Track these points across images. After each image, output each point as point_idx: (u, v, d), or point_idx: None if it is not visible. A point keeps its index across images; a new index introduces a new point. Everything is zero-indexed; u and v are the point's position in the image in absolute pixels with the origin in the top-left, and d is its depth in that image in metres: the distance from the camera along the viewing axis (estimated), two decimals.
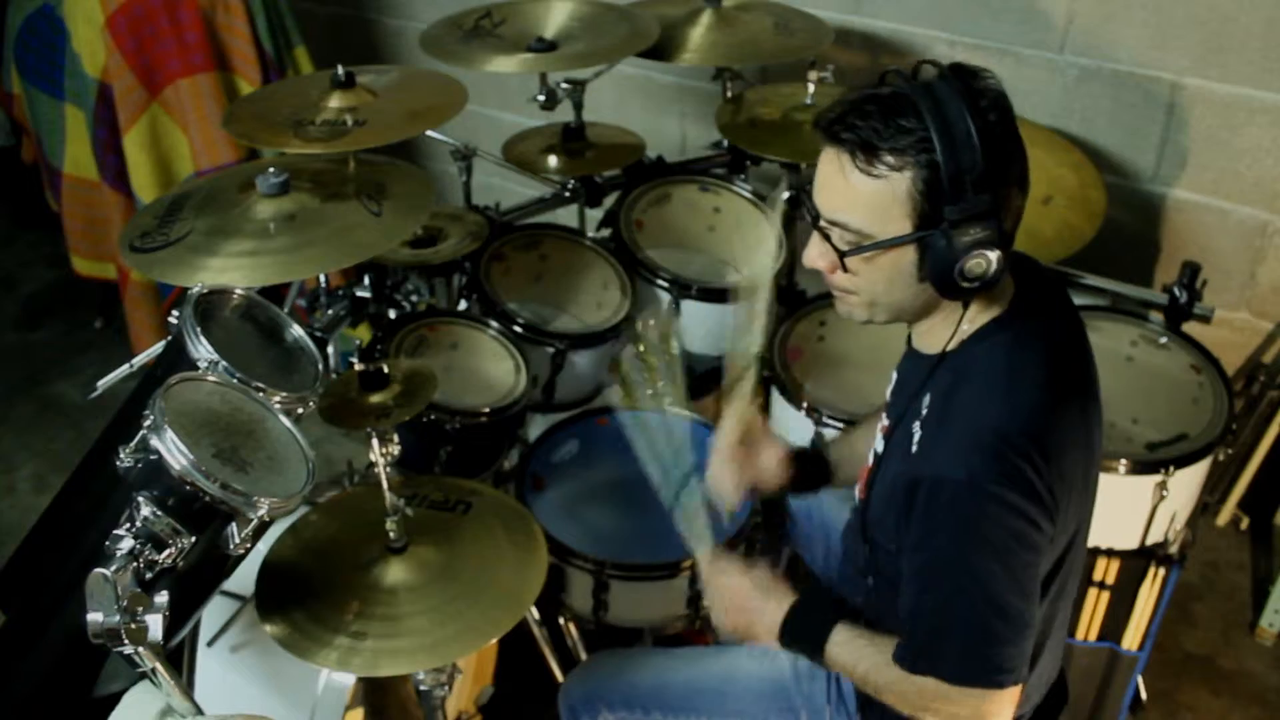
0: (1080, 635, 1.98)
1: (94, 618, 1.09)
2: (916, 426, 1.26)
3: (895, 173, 1.14)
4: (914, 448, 1.26)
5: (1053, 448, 1.18)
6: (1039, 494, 1.16)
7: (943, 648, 1.22)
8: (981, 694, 1.20)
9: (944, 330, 1.27)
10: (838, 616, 1.37)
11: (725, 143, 2.52)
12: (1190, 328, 2.09)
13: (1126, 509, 1.87)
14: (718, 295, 2.26)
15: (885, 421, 1.39)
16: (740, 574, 1.47)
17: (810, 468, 1.63)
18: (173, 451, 1.18)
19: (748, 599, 1.45)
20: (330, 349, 2.05)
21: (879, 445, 1.39)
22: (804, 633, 1.39)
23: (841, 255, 1.21)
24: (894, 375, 1.43)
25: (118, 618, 1.08)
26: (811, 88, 2.40)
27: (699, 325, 2.29)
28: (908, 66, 1.19)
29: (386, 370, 1.61)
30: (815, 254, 1.25)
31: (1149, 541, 1.91)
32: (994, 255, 1.15)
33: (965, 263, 1.15)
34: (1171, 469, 1.81)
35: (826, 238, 1.21)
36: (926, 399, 1.27)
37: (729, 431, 1.57)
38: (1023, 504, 1.15)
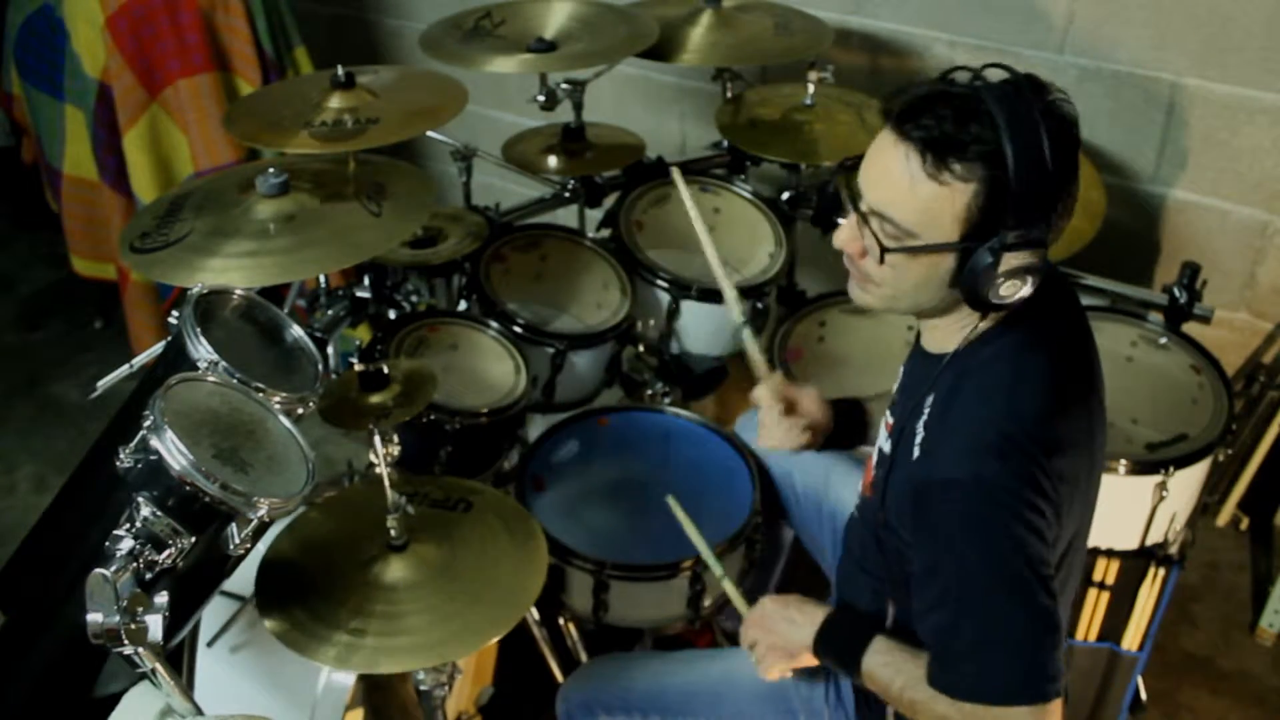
0: (1080, 635, 1.98)
1: (94, 618, 1.08)
2: (920, 428, 1.25)
3: (960, 182, 1.10)
4: (916, 450, 1.25)
5: (1057, 450, 1.17)
6: (1046, 492, 1.16)
7: (985, 668, 1.16)
8: (1028, 711, 1.14)
9: (954, 331, 1.26)
10: (876, 630, 1.34)
11: (725, 143, 2.52)
12: (1190, 328, 2.09)
13: (1126, 509, 1.87)
14: (717, 295, 2.27)
15: (890, 419, 1.39)
16: (767, 603, 1.46)
17: (847, 418, 1.66)
18: (173, 452, 1.18)
19: (773, 622, 1.43)
20: (330, 349, 2.05)
21: (885, 444, 1.38)
22: (841, 643, 1.36)
23: (884, 250, 1.17)
24: (901, 372, 1.43)
25: (118, 618, 1.08)
26: (811, 88, 2.40)
27: (699, 325, 2.29)
28: (970, 68, 1.15)
29: (386, 370, 1.61)
30: (847, 237, 1.21)
31: (1149, 542, 1.91)
32: (1031, 282, 1.14)
33: (1003, 284, 1.13)
34: (1171, 469, 1.81)
35: (866, 223, 1.18)
36: (930, 399, 1.26)
37: (766, 402, 1.64)
38: (1033, 498, 1.14)
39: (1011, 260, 1.12)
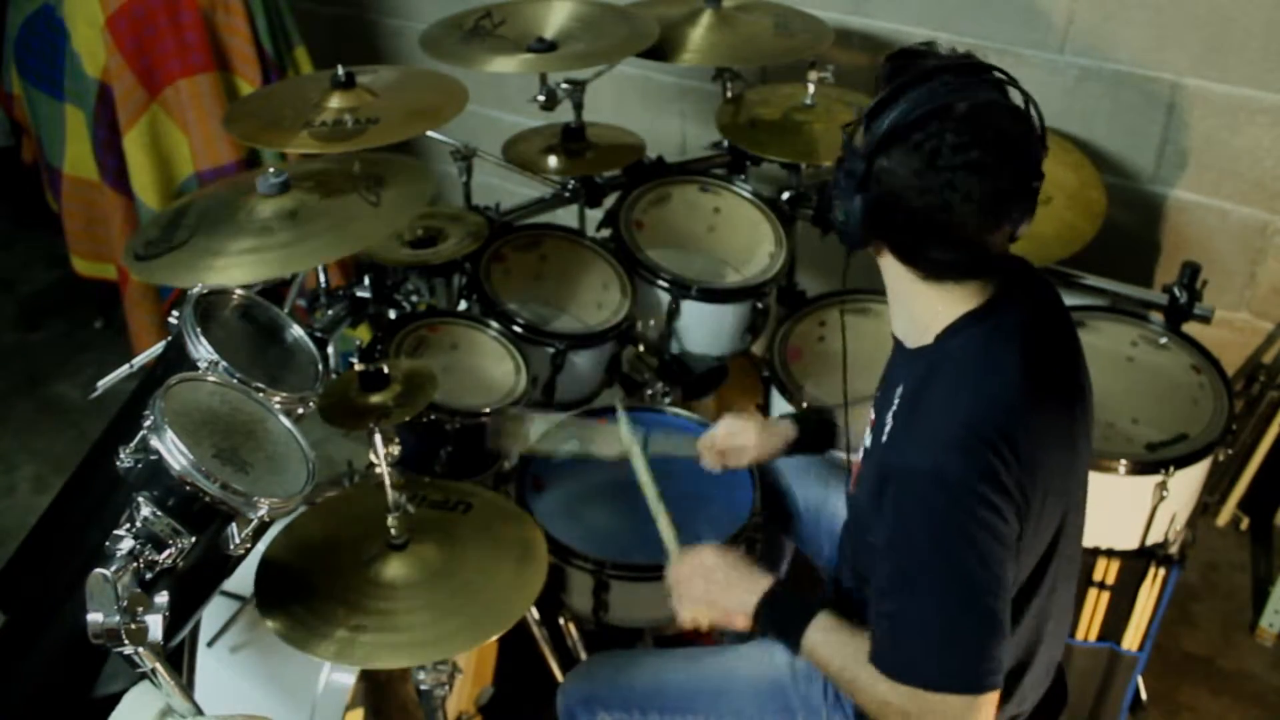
0: (1080, 635, 1.98)
1: (94, 618, 1.09)
2: (889, 418, 1.28)
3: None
4: (884, 438, 1.27)
5: (1025, 444, 1.18)
6: (1006, 488, 1.16)
7: (923, 653, 1.20)
8: (960, 700, 1.18)
9: (923, 323, 1.28)
10: (820, 604, 1.35)
11: (725, 143, 2.52)
12: (1190, 328, 2.09)
13: (1126, 509, 1.87)
14: (718, 295, 2.27)
15: (872, 415, 1.40)
16: (710, 553, 1.48)
17: (814, 430, 1.70)
18: (173, 452, 1.18)
19: (715, 573, 1.44)
20: (330, 349, 2.05)
21: (867, 440, 1.40)
22: (783, 616, 1.37)
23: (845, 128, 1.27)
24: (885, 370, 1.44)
25: (118, 618, 1.08)
26: (811, 88, 2.39)
27: (699, 325, 2.29)
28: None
29: (386, 370, 1.61)
30: None
31: (1149, 542, 1.91)
32: (850, 212, 1.21)
33: (840, 197, 1.23)
34: (1171, 469, 1.81)
35: None
36: (899, 390, 1.28)
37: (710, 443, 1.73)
38: (991, 496, 1.15)
39: (848, 168, 1.20)
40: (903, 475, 1.20)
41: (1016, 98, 1.19)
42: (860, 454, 1.44)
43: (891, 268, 1.27)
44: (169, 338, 1.46)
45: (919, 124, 1.14)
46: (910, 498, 1.19)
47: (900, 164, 1.16)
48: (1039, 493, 1.21)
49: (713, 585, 1.44)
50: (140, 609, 1.10)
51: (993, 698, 1.19)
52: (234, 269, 1.58)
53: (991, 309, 1.25)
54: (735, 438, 1.71)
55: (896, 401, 1.28)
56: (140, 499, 1.19)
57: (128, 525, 1.18)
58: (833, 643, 1.31)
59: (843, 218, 1.23)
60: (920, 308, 1.28)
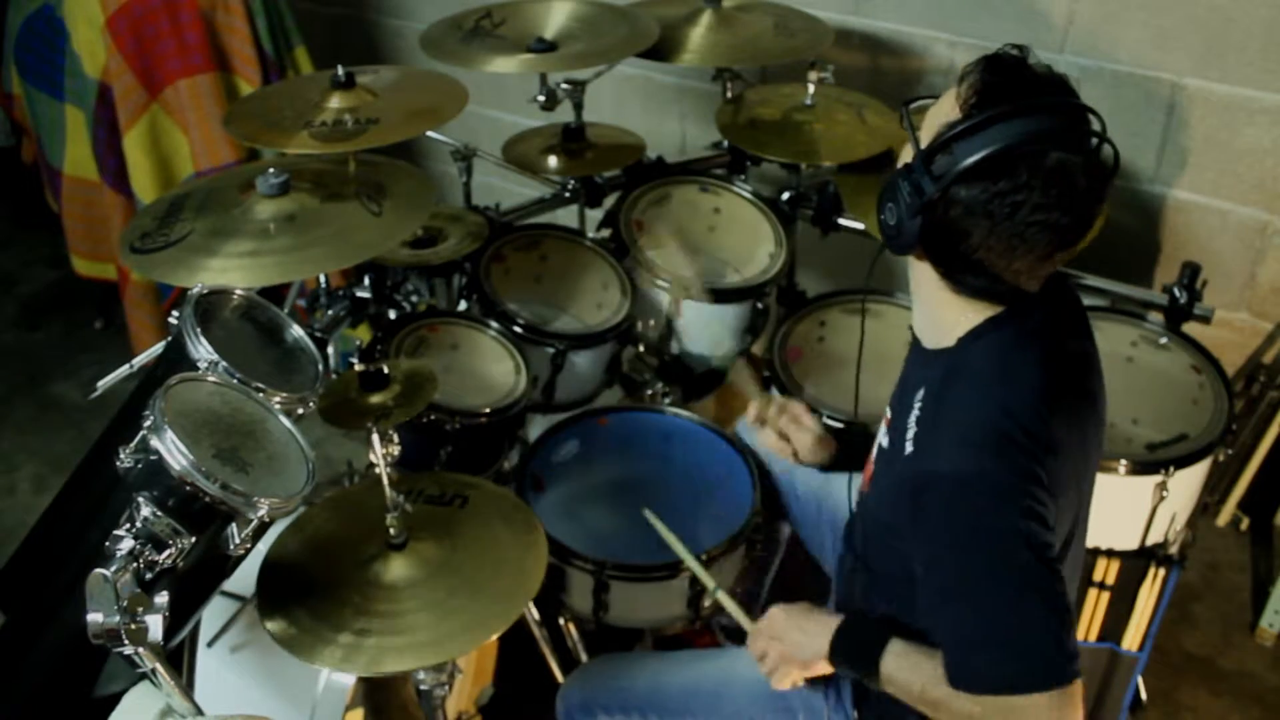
0: (1080, 635, 1.98)
1: (94, 618, 1.09)
2: (911, 423, 1.27)
3: (959, 101, 1.16)
4: (909, 446, 1.26)
5: (1048, 446, 1.18)
6: (1044, 483, 1.17)
7: (999, 657, 1.15)
8: (1048, 696, 1.13)
9: (945, 326, 1.28)
10: (890, 632, 1.31)
11: (725, 143, 2.52)
12: (1190, 328, 2.09)
13: (1126, 509, 1.87)
14: (718, 295, 2.27)
15: (889, 414, 1.39)
16: (776, 616, 1.45)
17: (854, 443, 1.65)
18: (173, 452, 1.18)
19: (786, 635, 1.43)
20: (330, 349, 2.05)
21: (883, 439, 1.39)
22: (857, 649, 1.34)
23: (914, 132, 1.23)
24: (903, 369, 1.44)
25: (118, 618, 1.08)
26: (811, 88, 2.39)
27: (699, 325, 2.29)
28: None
29: (386, 370, 1.61)
30: None
31: (1149, 542, 1.91)
32: (905, 226, 1.18)
33: (890, 205, 1.21)
34: (1171, 469, 1.81)
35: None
36: (920, 394, 1.28)
37: (750, 411, 1.71)
38: (1033, 490, 1.16)
39: (905, 184, 1.17)
40: (940, 483, 1.18)
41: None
42: (875, 451, 1.43)
43: (924, 272, 1.25)
44: (169, 338, 1.46)
45: (1007, 170, 1.12)
46: (955, 505, 1.17)
47: (977, 206, 1.14)
48: (1060, 494, 1.21)
49: (789, 648, 1.42)
50: (140, 609, 1.10)
51: (1079, 688, 1.14)
52: (231, 272, 1.58)
53: (1013, 314, 1.25)
54: (801, 417, 1.67)
55: (918, 406, 1.27)
56: (140, 499, 1.19)
57: (128, 525, 1.18)
58: (907, 668, 1.27)
59: (894, 224, 1.21)
60: (945, 313, 1.27)
